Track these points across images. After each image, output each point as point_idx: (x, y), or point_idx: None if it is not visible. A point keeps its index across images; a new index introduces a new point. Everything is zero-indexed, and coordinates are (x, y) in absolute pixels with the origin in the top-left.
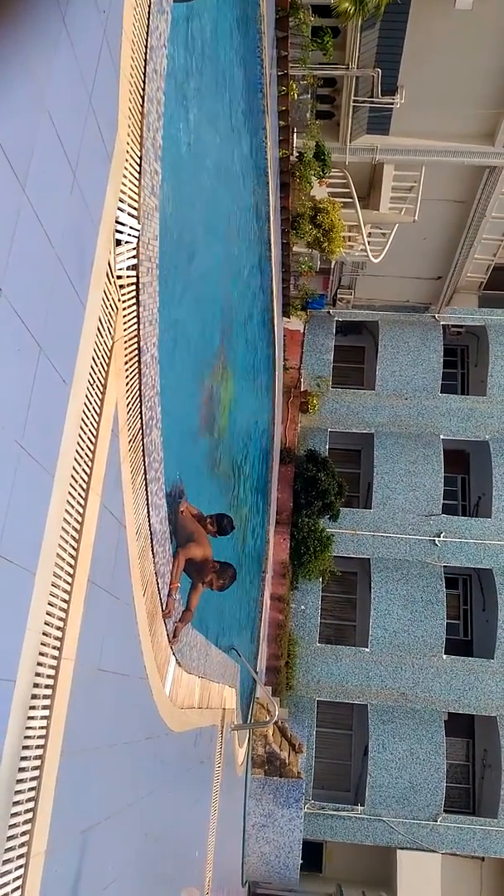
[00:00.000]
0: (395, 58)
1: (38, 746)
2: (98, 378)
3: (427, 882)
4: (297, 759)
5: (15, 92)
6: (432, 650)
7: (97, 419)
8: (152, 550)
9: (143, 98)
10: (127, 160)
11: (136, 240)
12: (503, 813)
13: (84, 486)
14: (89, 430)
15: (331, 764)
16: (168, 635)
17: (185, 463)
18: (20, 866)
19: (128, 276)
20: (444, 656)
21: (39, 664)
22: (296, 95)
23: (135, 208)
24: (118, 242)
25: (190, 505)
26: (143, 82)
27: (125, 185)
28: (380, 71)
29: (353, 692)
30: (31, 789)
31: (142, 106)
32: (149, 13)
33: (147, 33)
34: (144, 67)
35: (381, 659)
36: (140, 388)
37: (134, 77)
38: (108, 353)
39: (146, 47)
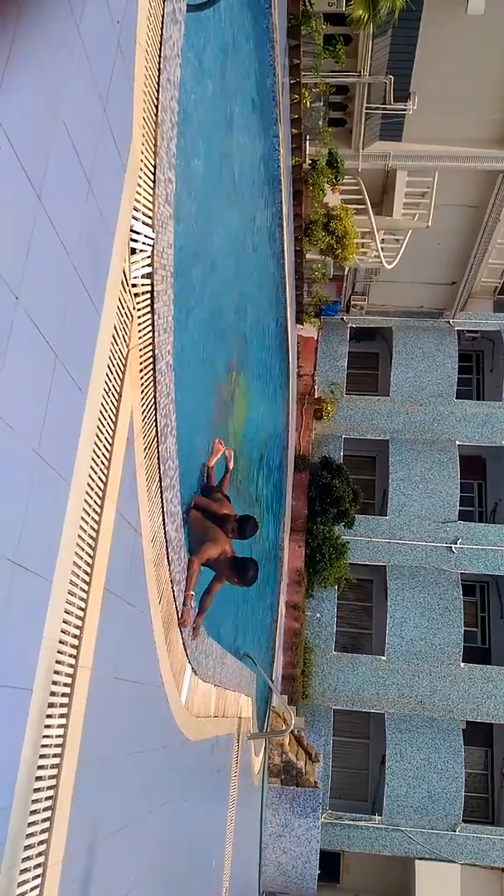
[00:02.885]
0: (408, 64)
1: (54, 755)
2: (113, 386)
3: (446, 893)
4: (313, 768)
5: (30, 102)
6: (450, 658)
7: (113, 427)
8: (168, 558)
9: (156, 107)
10: (141, 169)
11: (151, 248)
12: None
13: (100, 493)
14: (105, 438)
15: (348, 773)
16: (184, 643)
17: (199, 470)
18: (37, 875)
19: (142, 285)
20: (462, 664)
21: (56, 673)
22: (308, 103)
23: (149, 217)
24: (133, 251)
25: (202, 498)
26: (157, 91)
27: (140, 194)
28: (392, 77)
29: (369, 701)
30: (47, 798)
31: (156, 115)
32: (162, 23)
33: (161, 43)
34: (158, 77)
35: (397, 667)
36: (155, 396)
37: (148, 86)
38: (124, 361)
39: (160, 57)
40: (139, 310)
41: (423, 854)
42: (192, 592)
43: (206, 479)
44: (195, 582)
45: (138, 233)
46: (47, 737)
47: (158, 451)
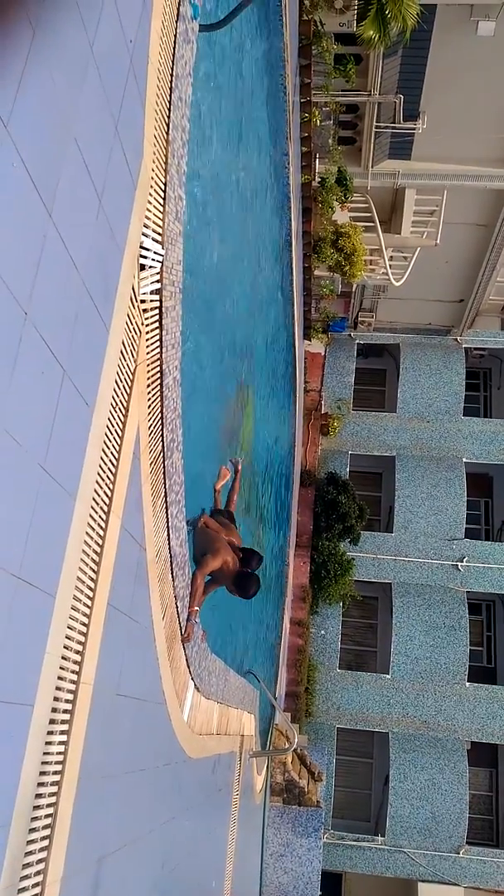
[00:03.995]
0: (417, 84)
1: (55, 772)
2: (120, 401)
3: None
4: (316, 787)
5: (43, 120)
6: (455, 677)
7: (119, 442)
8: (172, 574)
9: (168, 125)
10: (152, 186)
11: (160, 265)
12: None
13: (105, 508)
14: (111, 453)
15: (351, 793)
16: (187, 659)
17: (206, 485)
18: (36, 894)
19: (151, 301)
20: (467, 684)
21: (58, 688)
22: (318, 122)
23: (159, 233)
24: (142, 267)
25: (211, 520)
26: (169, 110)
27: (150, 211)
28: (402, 97)
29: (373, 720)
30: (47, 815)
31: (167, 133)
32: (175, 42)
33: (173, 62)
34: (170, 95)
35: (402, 686)
36: (162, 411)
37: (159, 105)
38: (131, 377)
39: (172, 76)
40: (147, 325)
41: (426, 876)
42: (196, 608)
43: (213, 502)
44: (198, 597)
45: (148, 249)
46: (48, 753)
47: (164, 467)
